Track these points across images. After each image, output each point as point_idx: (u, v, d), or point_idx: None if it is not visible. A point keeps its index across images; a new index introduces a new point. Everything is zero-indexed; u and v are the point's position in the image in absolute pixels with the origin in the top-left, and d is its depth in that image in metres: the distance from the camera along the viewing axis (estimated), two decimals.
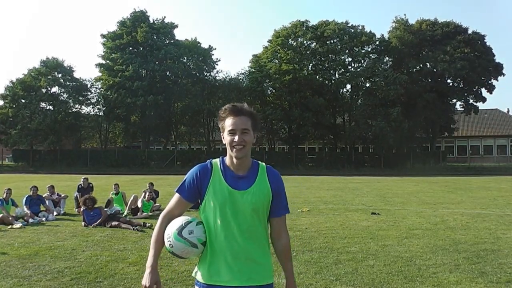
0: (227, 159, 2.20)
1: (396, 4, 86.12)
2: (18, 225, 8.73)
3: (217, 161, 2.22)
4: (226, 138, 2.14)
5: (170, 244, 2.14)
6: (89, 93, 41.09)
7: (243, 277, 2.08)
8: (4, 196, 9.80)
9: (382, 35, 39.95)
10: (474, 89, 38.97)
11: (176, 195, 2.20)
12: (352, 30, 39.15)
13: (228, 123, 2.12)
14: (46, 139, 37.31)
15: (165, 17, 43.01)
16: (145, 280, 2.07)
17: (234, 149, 2.09)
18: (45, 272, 5.38)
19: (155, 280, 2.08)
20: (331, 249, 6.56)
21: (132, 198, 10.51)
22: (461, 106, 40.70)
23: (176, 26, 41.47)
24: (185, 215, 2.23)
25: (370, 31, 39.28)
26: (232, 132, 2.10)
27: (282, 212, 2.22)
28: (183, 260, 5.70)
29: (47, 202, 10.47)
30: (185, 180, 2.19)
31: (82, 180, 12.10)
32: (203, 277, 2.13)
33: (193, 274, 2.24)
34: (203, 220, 2.16)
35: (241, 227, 2.10)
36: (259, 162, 2.25)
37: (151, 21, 40.71)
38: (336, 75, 39.51)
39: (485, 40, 38.78)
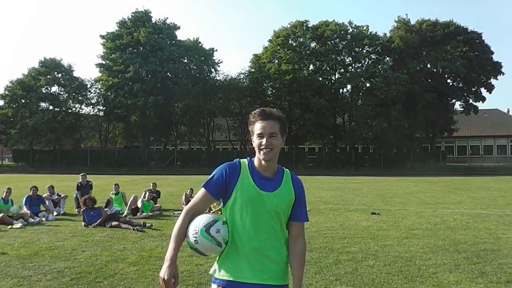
0: (255, 161, 2.24)
1: (396, 4, 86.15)
2: (18, 225, 8.73)
3: (245, 161, 2.27)
4: (254, 141, 2.19)
5: (195, 240, 2.14)
6: (89, 93, 41.11)
7: (264, 276, 2.12)
8: (4, 195, 9.81)
9: (385, 34, 40.00)
10: (474, 89, 39.04)
11: (202, 190, 2.22)
12: (352, 30, 39.16)
13: (257, 127, 2.18)
14: (44, 137, 37.26)
15: (167, 17, 43.13)
16: (164, 273, 2.08)
17: (262, 152, 2.15)
18: (45, 272, 5.38)
19: (174, 273, 2.09)
20: (331, 249, 6.56)
21: (132, 198, 10.51)
22: (461, 106, 40.74)
23: (179, 28, 41.56)
24: (205, 214, 2.25)
25: (371, 32, 39.36)
26: (260, 136, 2.16)
27: (303, 218, 2.26)
28: (183, 260, 5.70)
29: (47, 202, 10.47)
30: (213, 175, 2.21)
31: (80, 176, 12.00)
32: (225, 274, 2.15)
33: (211, 272, 2.27)
34: (227, 217, 2.19)
35: (263, 228, 2.15)
36: (284, 168, 2.31)
37: (154, 22, 40.72)
38: (337, 76, 39.52)
39: (483, 38, 38.88)
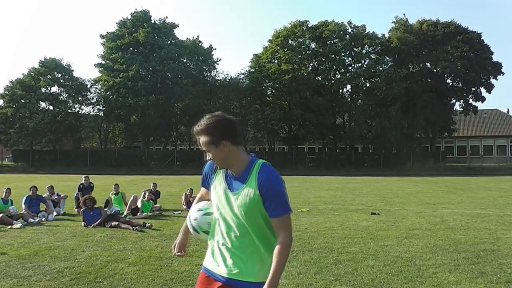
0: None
1: (396, 4, 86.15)
2: (18, 225, 8.72)
3: None
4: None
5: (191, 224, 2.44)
6: (89, 93, 41.11)
7: (234, 270, 2.21)
8: (3, 195, 9.80)
9: (383, 34, 39.99)
10: (474, 89, 39.05)
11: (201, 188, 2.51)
12: (351, 30, 39.17)
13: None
14: (44, 137, 37.27)
15: (167, 17, 43.17)
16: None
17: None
18: (45, 272, 5.37)
19: (180, 239, 2.50)
20: (331, 249, 6.56)
21: (132, 198, 10.51)
22: (461, 106, 40.76)
23: (177, 26, 41.53)
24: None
25: (370, 32, 39.36)
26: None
27: (275, 214, 2.15)
28: (183, 260, 5.70)
29: (47, 202, 10.46)
30: (202, 175, 2.43)
31: (83, 178, 12.11)
32: (206, 262, 2.36)
33: None
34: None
35: (235, 227, 2.22)
36: (257, 161, 2.23)
37: (153, 21, 40.75)
38: (337, 75, 39.52)
39: (482, 38, 38.90)
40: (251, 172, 2.18)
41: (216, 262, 2.28)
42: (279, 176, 2.19)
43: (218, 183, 2.26)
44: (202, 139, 2.17)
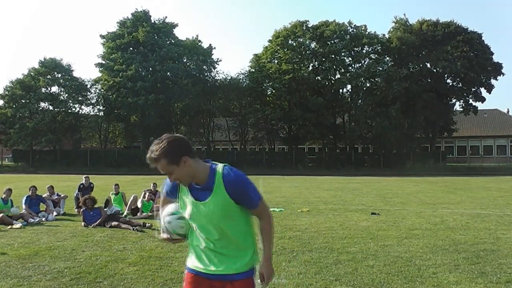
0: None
1: (396, 4, 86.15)
2: (18, 225, 8.72)
3: None
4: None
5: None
6: (89, 93, 41.11)
7: (220, 267, 2.36)
8: (4, 196, 9.79)
9: (384, 34, 40.00)
10: (474, 89, 39.05)
11: (163, 195, 2.57)
12: (353, 30, 39.16)
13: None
14: (44, 137, 37.27)
15: (166, 17, 43.22)
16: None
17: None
18: (45, 272, 5.37)
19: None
20: (331, 249, 6.56)
21: (132, 198, 10.51)
22: (461, 106, 40.76)
23: (177, 25, 41.54)
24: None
25: (371, 32, 39.36)
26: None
27: (253, 206, 2.38)
28: (183, 260, 5.68)
29: (47, 202, 10.46)
30: (163, 190, 2.53)
31: (84, 178, 12.12)
32: (191, 262, 2.47)
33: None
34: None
35: (213, 231, 2.34)
36: (217, 167, 2.35)
37: (153, 21, 40.76)
38: (337, 76, 39.52)
39: (482, 39, 38.91)
40: (215, 179, 2.30)
41: (203, 262, 2.39)
42: (240, 174, 2.34)
43: (186, 197, 2.37)
44: (162, 162, 2.23)
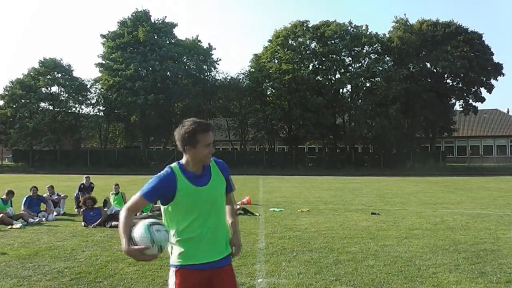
0: (187, 164, 2.53)
1: (397, 4, 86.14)
2: (18, 225, 8.72)
3: (176, 166, 2.53)
4: (203, 150, 2.49)
5: (136, 231, 2.37)
6: (89, 93, 41.12)
7: (221, 253, 2.54)
8: (5, 196, 9.77)
9: (384, 34, 39.98)
10: (474, 89, 39.04)
11: (140, 196, 2.48)
12: (353, 31, 39.15)
13: (206, 138, 2.50)
14: (44, 137, 37.27)
15: (166, 16, 43.22)
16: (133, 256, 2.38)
17: (208, 158, 2.54)
18: (45, 272, 5.38)
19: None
20: (331, 249, 6.56)
21: None
22: (461, 106, 40.75)
23: (176, 25, 41.57)
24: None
25: (371, 32, 39.35)
26: (209, 145, 2.52)
27: (231, 190, 2.75)
28: None
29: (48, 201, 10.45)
30: (153, 186, 2.46)
31: (84, 178, 12.13)
32: (182, 259, 2.48)
33: (172, 262, 2.55)
34: (168, 216, 2.51)
35: (213, 212, 2.52)
36: None
37: (153, 21, 40.77)
38: (337, 75, 39.51)
39: (483, 39, 38.91)
40: (210, 165, 2.61)
41: (199, 254, 2.48)
42: None
43: (185, 186, 2.46)
44: (212, 134, 2.57)
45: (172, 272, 2.53)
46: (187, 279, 2.46)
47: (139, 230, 2.35)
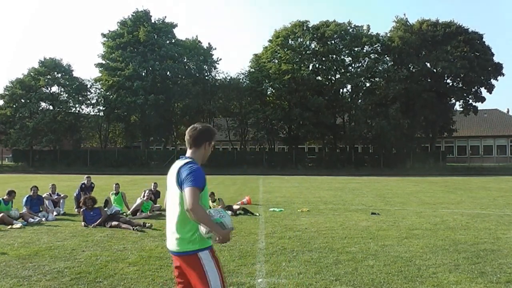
0: (196, 159, 2.99)
1: (397, 3, 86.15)
2: (18, 225, 8.72)
3: (194, 160, 2.98)
4: (208, 150, 3.03)
5: (221, 216, 2.81)
6: (89, 93, 41.11)
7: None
8: (6, 197, 9.75)
9: (386, 33, 39.94)
10: (474, 89, 39.03)
11: (197, 190, 2.74)
12: (353, 31, 39.13)
13: (214, 141, 3.08)
14: (44, 137, 37.27)
15: (165, 16, 43.28)
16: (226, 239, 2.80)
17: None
18: (45, 272, 5.38)
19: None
20: (331, 249, 6.56)
21: (138, 202, 10.44)
22: (461, 106, 40.74)
23: (176, 25, 41.56)
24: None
25: (371, 32, 39.33)
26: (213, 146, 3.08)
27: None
28: None
29: (46, 202, 10.44)
30: (203, 180, 2.82)
31: (85, 178, 12.13)
32: (204, 243, 2.87)
33: (202, 246, 2.88)
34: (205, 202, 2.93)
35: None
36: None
37: (153, 21, 40.77)
38: (337, 75, 39.50)
39: (483, 39, 38.90)
40: None
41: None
42: None
43: None
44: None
45: (206, 255, 2.79)
46: (218, 258, 2.85)
47: (227, 217, 2.82)
